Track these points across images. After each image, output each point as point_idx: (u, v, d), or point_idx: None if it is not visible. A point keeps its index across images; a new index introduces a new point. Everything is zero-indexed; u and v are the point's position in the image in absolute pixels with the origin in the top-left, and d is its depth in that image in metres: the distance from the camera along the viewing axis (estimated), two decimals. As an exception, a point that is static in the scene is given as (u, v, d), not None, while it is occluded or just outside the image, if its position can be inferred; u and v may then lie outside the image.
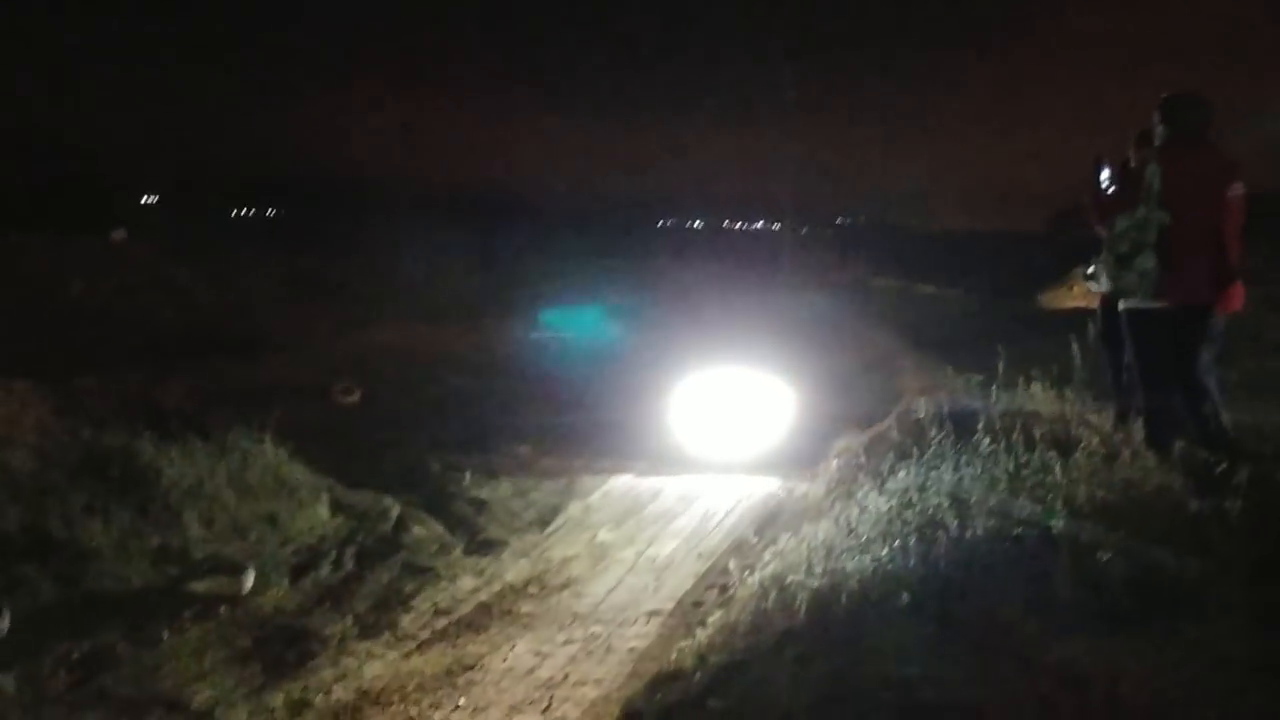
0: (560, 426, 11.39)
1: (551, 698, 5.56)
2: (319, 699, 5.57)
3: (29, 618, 6.38)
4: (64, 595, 6.72)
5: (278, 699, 5.56)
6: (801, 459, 9.77)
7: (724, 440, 10.97)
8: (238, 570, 7.13)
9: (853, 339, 15.02)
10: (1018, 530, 4.78)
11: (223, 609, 6.81)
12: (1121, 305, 6.06)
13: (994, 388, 7.30)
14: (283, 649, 6.23)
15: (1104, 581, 4.21)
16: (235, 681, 5.77)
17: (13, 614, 6.23)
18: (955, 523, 4.99)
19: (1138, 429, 5.84)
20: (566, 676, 5.87)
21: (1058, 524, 4.62)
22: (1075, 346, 6.84)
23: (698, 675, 4.70)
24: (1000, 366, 7.26)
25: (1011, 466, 5.52)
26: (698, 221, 46.74)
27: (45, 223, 18.81)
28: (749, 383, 11.15)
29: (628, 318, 12.22)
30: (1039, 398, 7.14)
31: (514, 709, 5.43)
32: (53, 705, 5.44)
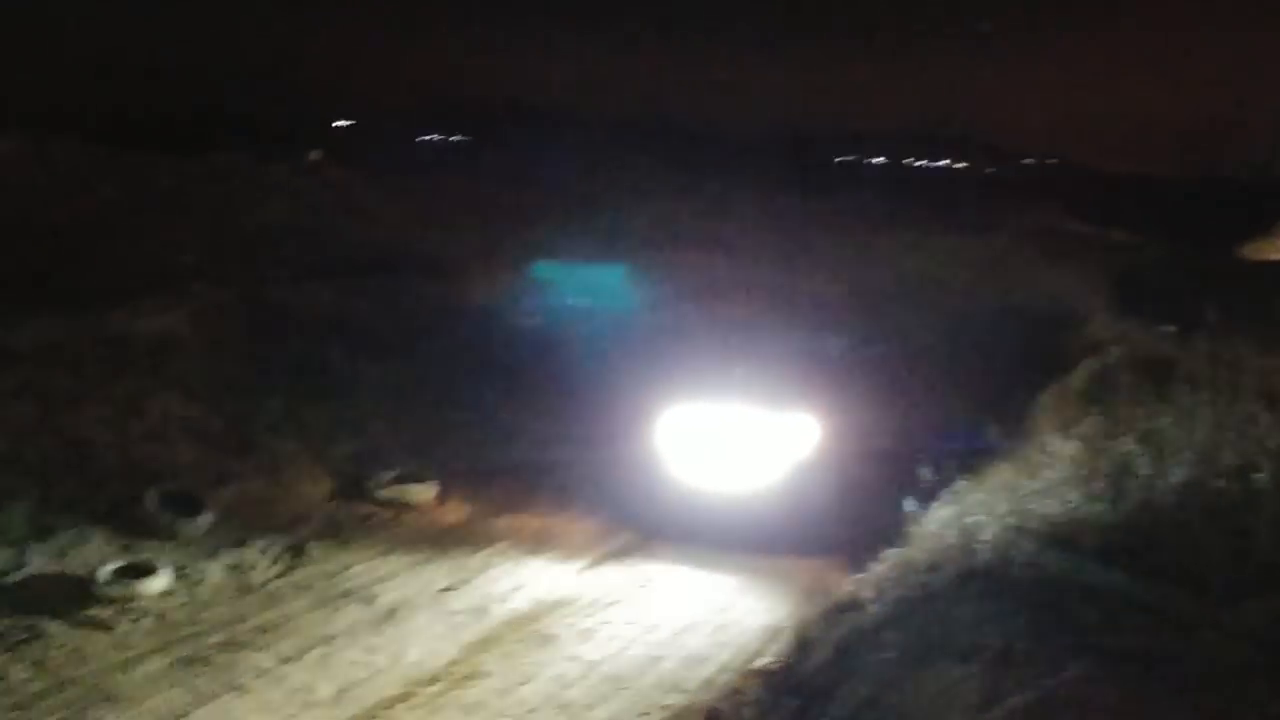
0: None
1: (723, 620, 5.63)
2: (497, 606, 5.76)
3: (233, 511, 6.78)
4: (267, 492, 7.12)
5: (458, 603, 5.78)
6: None
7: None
8: (423, 479, 7.40)
9: (1040, 289, 14.40)
10: (1218, 482, 4.58)
11: (408, 516, 7.11)
12: None
13: (1194, 338, 6.95)
14: (463, 558, 6.46)
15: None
16: (419, 585, 6.01)
17: (218, 508, 6.61)
18: (1148, 471, 4.82)
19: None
20: (735, 603, 5.95)
21: (1261, 478, 4.41)
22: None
23: (874, 607, 4.67)
24: (1203, 318, 6.90)
25: (1212, 417, 5.27)
26: (878, 158, 45.44)
27: (246, 143, 19.63)
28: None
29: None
30: (1243, 348, 6.79)
31: (685, 629, 5.51)
32: (255, 594, 5.79)
